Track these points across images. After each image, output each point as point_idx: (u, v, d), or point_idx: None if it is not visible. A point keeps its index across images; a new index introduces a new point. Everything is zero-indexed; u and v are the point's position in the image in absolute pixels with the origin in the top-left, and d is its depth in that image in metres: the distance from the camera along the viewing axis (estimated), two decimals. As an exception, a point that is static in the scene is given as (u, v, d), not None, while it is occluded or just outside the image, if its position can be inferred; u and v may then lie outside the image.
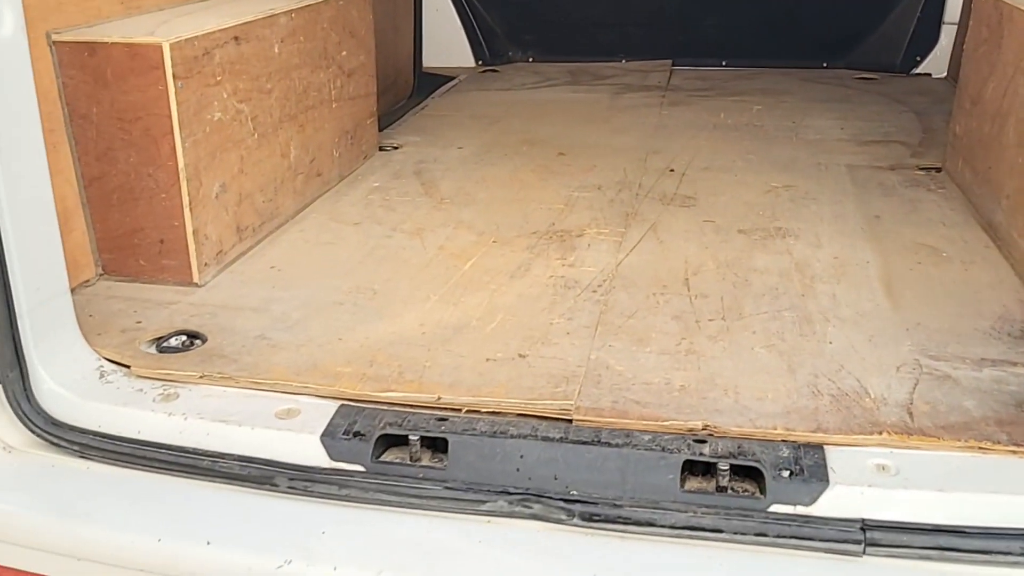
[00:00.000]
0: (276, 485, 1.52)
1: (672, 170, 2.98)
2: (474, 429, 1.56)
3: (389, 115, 3.97)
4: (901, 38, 4.36)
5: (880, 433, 1.52)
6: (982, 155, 2.47)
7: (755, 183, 2.83)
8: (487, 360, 1.79)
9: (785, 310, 1.99)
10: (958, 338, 1.83)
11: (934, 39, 4.30)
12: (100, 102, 1.98)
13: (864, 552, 1.34)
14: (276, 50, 2.40)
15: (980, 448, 1.48)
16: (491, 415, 1.63)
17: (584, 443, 1.52)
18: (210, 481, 1.55)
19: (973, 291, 2.05)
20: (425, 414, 1.62)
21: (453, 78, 4.60)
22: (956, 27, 4.14)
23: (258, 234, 2.38)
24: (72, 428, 1.62)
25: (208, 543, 1.44)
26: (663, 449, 1.49)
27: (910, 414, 1.58)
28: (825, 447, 1.51)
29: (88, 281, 2.11)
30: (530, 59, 4.81)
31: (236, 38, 2.20)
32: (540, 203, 2.69)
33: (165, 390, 1.70)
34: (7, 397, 1.59)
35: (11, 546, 1.51)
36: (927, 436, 1.51)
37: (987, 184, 2.40)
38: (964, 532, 1.35)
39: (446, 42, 4.73)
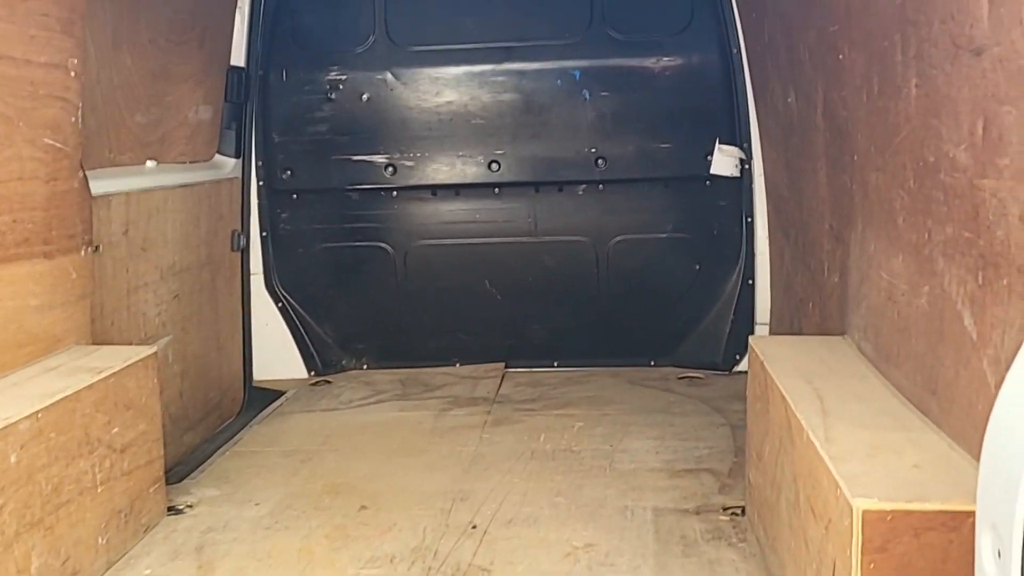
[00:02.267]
0: None
1: (475, 527, 2.85)
2: None
3: (203, 447, 3.81)
4: (720, 338, 4.51)
5: None
6: (768, 520, 2.42)
7: (556, 543, 2.72)
8: None
9: None
10: None
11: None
12: None
13: None
14: (12, 460, 2.22)
15: None
16: None
17: None
18: None
19: None
20: None
21: (283, 392, 4.49)
22: (768, 327, 4.31)
23: (-21, 674, 2.09)
24: None
25: None
26: None
27: None
28: None
29: None
30: (364, 366, 4.76)
31: (-48, 466, 2.02)
32: (323, 588, 2.50)
33: None
34: None
35: None
36: None
37: (774, 555, 2.34)
38: None
39: (277, 354, 4.66)
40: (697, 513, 2.88)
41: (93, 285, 3.02)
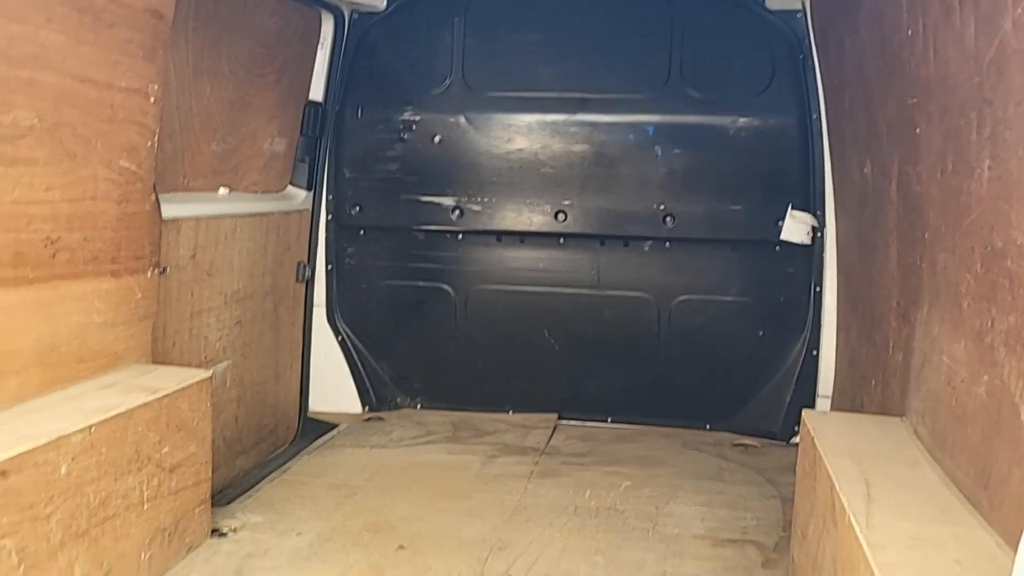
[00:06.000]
0: None
1: (509, 579, 2.81)
2: None
3: (254, 471, 3.86)
4: (779, 407, 4.40)
5: None
6: (808, 602, 2.34)
7: (589, 604, 2.66)
8: None
9: None
10: None
11: (810, 411, 4.35)
12: None
13: None
14: (63, 471, 2.29)
15: None
16: None
17: None
18: None
19: None
20: None
21: (336, 425, 4.54)
22: (830, 400, 4.19)
23: None
24: None
25: None
26: None
27: None
28: None
29: None
30: (418, 406, 4.78)
31: (3, 473, 2.08)
32: (351, 627, 2.49)
33: None
34: None
35: None
36: None
37: (812, 639, 2.25)
38: None
39: (334, 387, 4.71)
40: (733, 587, 2.80)
41: (157, 306, 3.11)
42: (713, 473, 3.90)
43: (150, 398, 2.66)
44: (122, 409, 2.53)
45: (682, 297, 4.45)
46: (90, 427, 2.39)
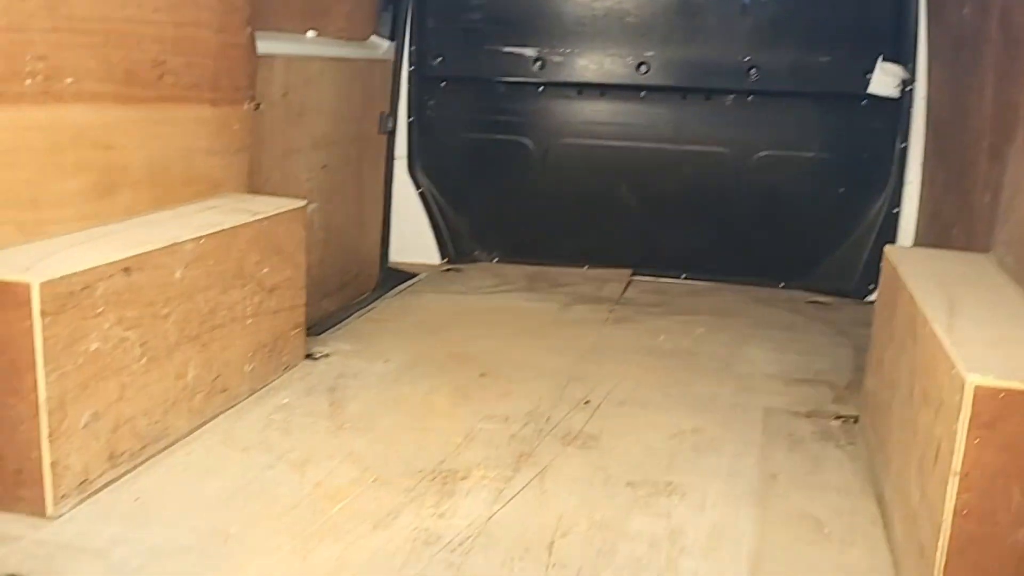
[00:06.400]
0: None
1: (587, 402, 2.95)
2: None
3: (339, 313, 4.04)
4: (855, 265, 4.40)
5: None
6: (881, 422, 2.42)
7: (665, 424, 2.78)
8: (306, 636, 1.71)
9: (639, 590, 1.90)
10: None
11: (886, 269, 4.34)
12: (-31, 332, 2.00)
13: None
14: (178, 275, 2.45)
15: None
16: None
17: None
18: None
19: (840, 580, 1.95)
20: None
21: (415, 275, 4.69)
22: (908, 258, 4.17)
23: (137, 458, 2.35)
24: None
25: None
26: None
27: None
28: None
29: (-56, 507, 2.07)
30: (495, 260, 4.89)
31: (126, 269, 2.24)
32: (440, 434, 2.65)
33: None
34: None
35: None
36: None
37: (882, 453, 2.34)
38: None
39: (413, 239, 4.84)
40: (808, 416, 2.89)
41: (252, 140, 3.22)
42: (786, 324, 3.96)
43: (251, 219, 2.80)
44: (226, 226, 2.68)
45: (762, 153, 4.42)
46: (200, 238, 2.53)
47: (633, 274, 4.69)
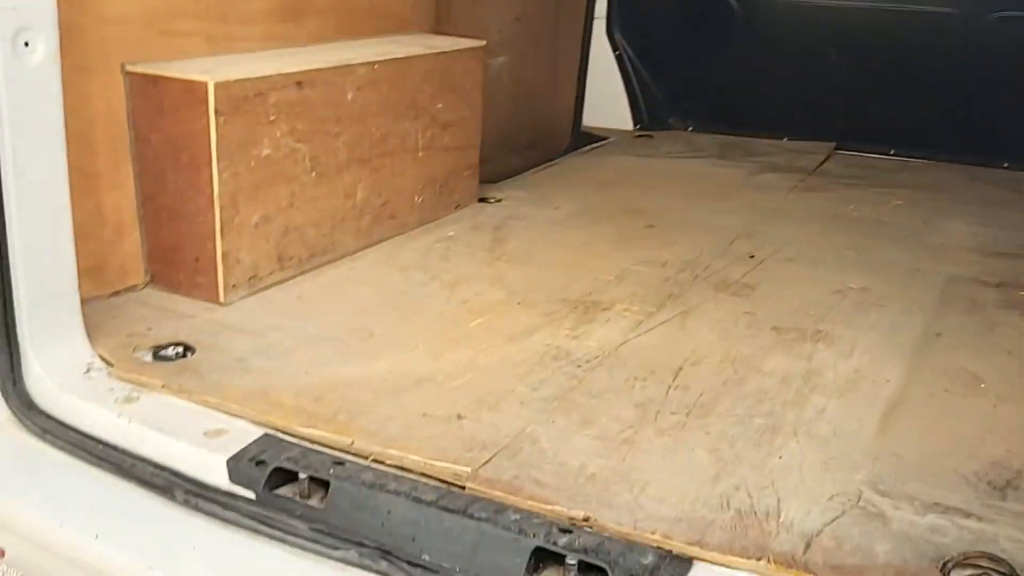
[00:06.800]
0: (174, 496, 1.63)
1: (752, 256, 2.85)
2: (359, 478, 1.59)
3: (524, 167, 4.09)
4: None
5: (759, 559, 1.40)
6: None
7: (830, 281, 2.64)
8: (423, 415, 1.81)
9: (758, 416, 1.85)
10: (926, 476, 1.63)
11: None
12: (158, 129, 2.21)
13: None
14: (349, 97, 2.57)
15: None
16: (394, 468, 1.65)
17: (449, 511, 1.50)
18: (126, 481, 1.68)
19: (984, 430, 1.81)
20: (330, 455, 1.67)
21: (606, 138, 4.64)
22: None
23: (304, 265, 2.53)
24: (41, 413, 1.82)
25: (96, 537, 1.56)
26: (520, 532, 1.45)
27: (808, 546, 1.43)
28: (695, 561, 1.41)
29: (135, 286, 2.34)
30: (690, 128, 4.76)
31: (299, 83, 2.38)
32: (593, 272, 2.67)
33: (130, 393, 1.86)
34: (-3, 377, 1.82)
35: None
36: (806, 572, 1.37)
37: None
38: None
39: (607, 103, 4.77)
40: (997, 286, 2.64)
41: (440, -20, 3.27)
42: (998, 200, 3.60)
43: (427, 52, 2.86)
44: (401, 55, 2.76)
45: (1000, 14, 3.95)
46: (373, 63, 2.63)
47: (836, 147, 4.41)
